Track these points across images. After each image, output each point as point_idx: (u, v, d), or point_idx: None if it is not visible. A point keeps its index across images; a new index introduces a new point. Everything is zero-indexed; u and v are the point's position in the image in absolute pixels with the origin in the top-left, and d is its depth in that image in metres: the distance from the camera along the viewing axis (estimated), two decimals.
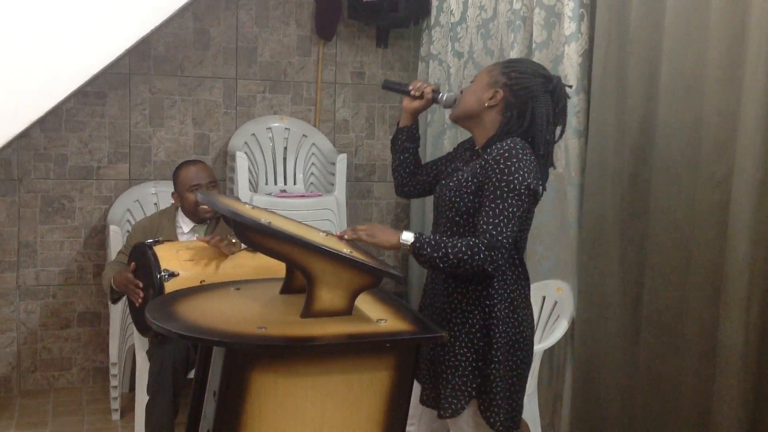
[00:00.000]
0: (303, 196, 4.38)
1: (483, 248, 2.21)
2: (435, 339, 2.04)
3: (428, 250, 2.24)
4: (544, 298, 3.50)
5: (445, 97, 2.59)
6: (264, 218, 2.03)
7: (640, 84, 2.97)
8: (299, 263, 2.03)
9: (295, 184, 4.60)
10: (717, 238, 2.60)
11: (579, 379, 3.28)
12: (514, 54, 3.64)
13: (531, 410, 3.36)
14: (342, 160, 4.38)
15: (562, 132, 2.53)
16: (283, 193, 4.44)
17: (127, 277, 3.23)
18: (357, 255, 2.10)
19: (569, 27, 3.26)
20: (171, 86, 4.51)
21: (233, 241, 3.08)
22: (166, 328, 1.96)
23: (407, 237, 2.27)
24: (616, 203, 3.10)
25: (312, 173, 4.66)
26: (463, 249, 2.22)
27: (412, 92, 2.63)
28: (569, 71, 3.27)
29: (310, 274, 2.03)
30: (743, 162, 2.47)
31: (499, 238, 2.22)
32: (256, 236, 2.02)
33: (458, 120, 2.55)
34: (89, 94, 4.36)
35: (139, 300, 3.12)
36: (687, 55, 2.74)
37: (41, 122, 4.22)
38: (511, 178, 2.25)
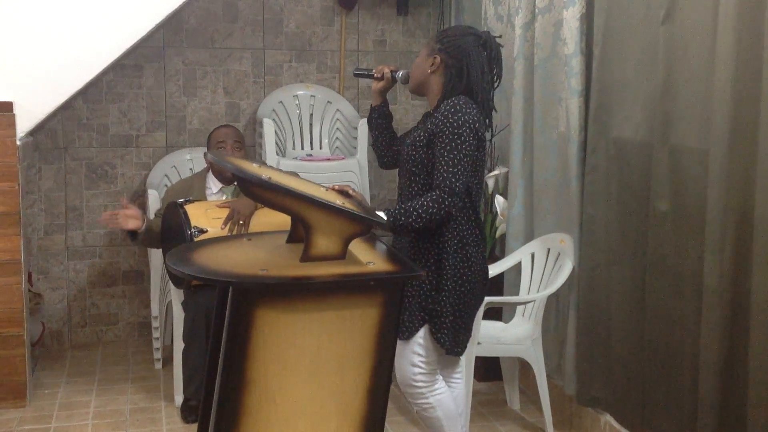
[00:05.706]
0: (328, 160, 4.57)
1: (446, 196, 2.54)
2: (415, 277, 2.27)
3: (402, 219, 2.54)
4: (549, 250, 3.70)
5: (400, 75, 2.91)
6: (265, 174, 2.27)
7: (640, 45, 3.11)
8: (297, 213, 2.26)
9: (320, 148, 4.79)
10: (702, 186, 2.77)
11: (584, 324, 3.45)
12: (519, 19, 3.81)
13: (536, 355, 3.59)
14: (363, 125, 4.51)
15: (500, 77, 2.79)
16: (309, 157, 4.63)
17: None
18: (349, 205, 2.32)
19: None
20: (203, 58, 4.74)
21: (240, 222, 3.40)
22: (182, 271, 2.22)
23: (381, 215, 2.54)
24: (617, 157, 3.26)
25: (337, 138, 4.84)
26: (430, 204, 2.54)
27: (376, 75, 2.95)
28: (567, 34, 3.43)
29: (307, 223, 2.26)
30: (718, 119, 2.64)
31: (457, 184, 2.56)
32: (257, 190, 2.25)
33: (414, 92, 2.88)
34: (127, 67, 4.61)
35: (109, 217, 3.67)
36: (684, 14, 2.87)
37: (83, 94, 4.49)
38: (460, 131, 2.57)
